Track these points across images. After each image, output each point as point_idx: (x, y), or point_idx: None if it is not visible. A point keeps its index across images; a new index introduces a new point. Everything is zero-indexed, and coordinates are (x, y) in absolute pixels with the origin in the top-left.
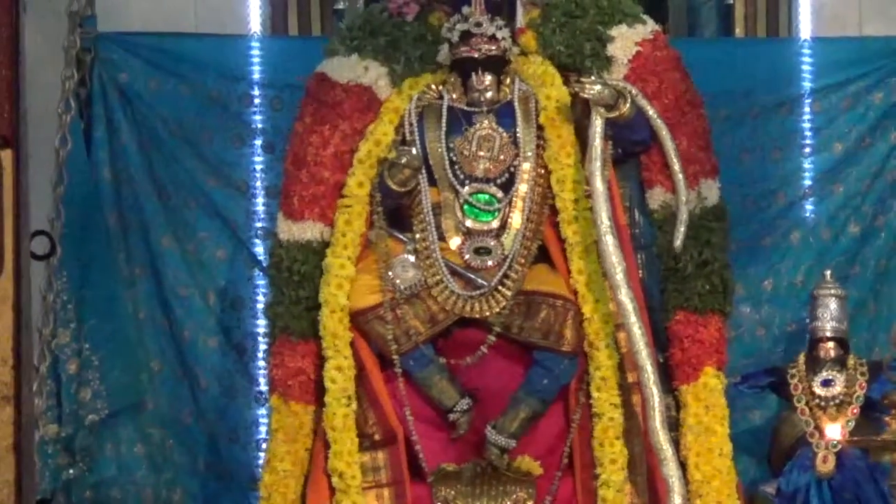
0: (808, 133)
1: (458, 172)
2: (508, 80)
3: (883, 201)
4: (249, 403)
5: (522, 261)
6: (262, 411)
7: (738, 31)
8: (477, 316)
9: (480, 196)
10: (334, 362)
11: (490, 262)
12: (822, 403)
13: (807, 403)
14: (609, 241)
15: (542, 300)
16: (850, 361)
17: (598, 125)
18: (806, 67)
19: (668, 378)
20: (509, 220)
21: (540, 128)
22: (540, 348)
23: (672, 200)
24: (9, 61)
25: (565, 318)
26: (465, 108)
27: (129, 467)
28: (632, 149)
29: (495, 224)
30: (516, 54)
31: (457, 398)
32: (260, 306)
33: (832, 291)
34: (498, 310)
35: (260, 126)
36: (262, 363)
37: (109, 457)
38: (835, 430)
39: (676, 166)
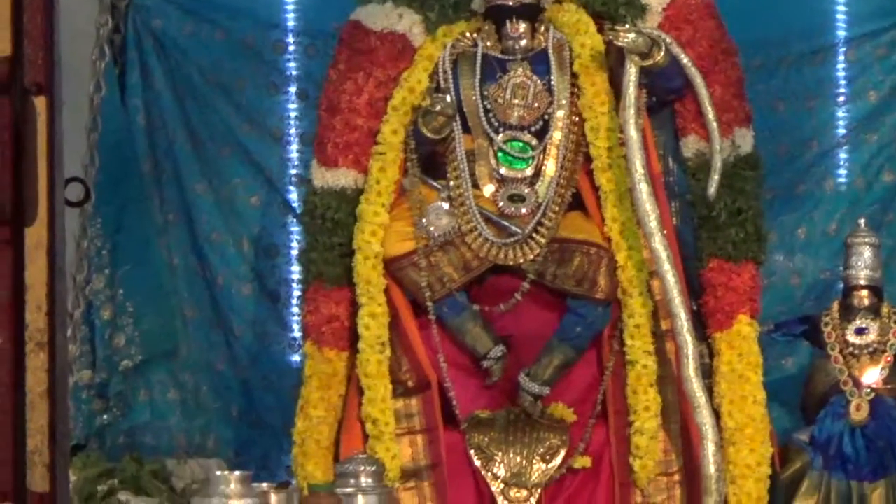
0: (842, 82)
1: (493, 120)
2: (543, 28)
3: None
4: (283, 350)
5: (556, 208)
6: (296, 358)
7: None
8: (511, 263)
9: (514, 143)
10: (368, 309)
11: (524, 210)
12: (856, 351)
13: (840, 351)
14: (643, 189)
15: (576, 248)
16: (884, 310)
17: (632, 73)
18: (840, 16)
19: (702, 326)
20: (543, 167)
21: (574, 76)
22: (574, 296)
23: (706, 149)
24: (42, 8)
25: (599, 266)
26: (500, 55)
27: (163, 413)
28: (666, 97)
29: (529, 171)
30: (551, 2)
31: (490, 345)
32: (294, 253)
33: (866, 239)
34: (532, 257)
35: (294, 73)
36: (295, 310)
37: (143, 403)
38: (872, 375)
39: (710, 115)
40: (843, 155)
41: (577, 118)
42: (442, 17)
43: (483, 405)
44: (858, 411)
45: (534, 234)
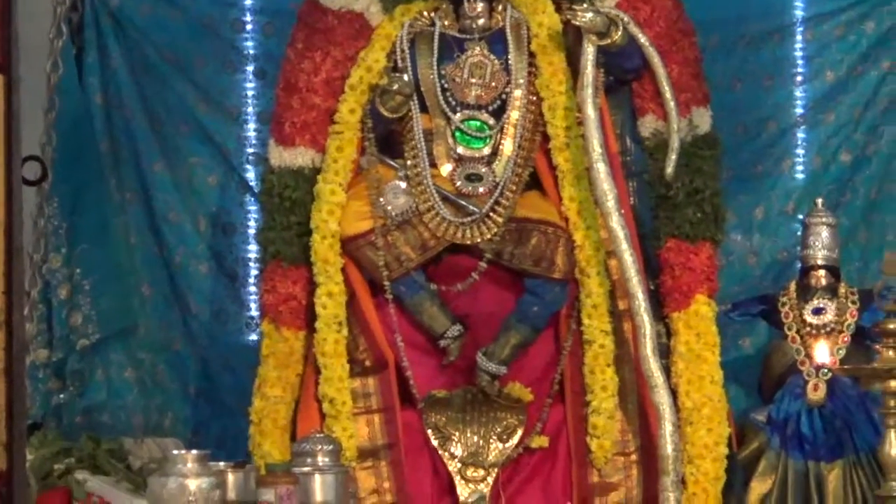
0: (799, 61)
1: (450, 99)
2: (500, 7)
3: (874, 129)
4: (240, 329)
5: (514, 188)
6: (253, 337)
7: None
8: (468, 242)
9: (472, 123)
10: (325, 288)
11: (481, 189)
12: (813, 331)
13: (798, 331)
14: (601, 169)
15: (534, 227)
16: (842, 289)
17: (590, 53)
18: None
19: (660, 305)
20: (501, 146)
21: (532, 55)
22: (531, 275)
23: (664, 128)
24: None
25: (556, 245)
26: (457, 34)
27: (120, 392)
28: (624, 76)
29: (487, 151)
30: None
31: (447, 324)
32: (251, 232)
33: (823, 219)
34: (489, 236)
35: (252, 52)
36: (253, 289)
37: (100, 381)
38: (823, 352)
39: (668, 94)
40: (800, 135)
41: (534, 97)
42: None
43: (440, 385)
44: (816, 391)
45: (491, 214)
